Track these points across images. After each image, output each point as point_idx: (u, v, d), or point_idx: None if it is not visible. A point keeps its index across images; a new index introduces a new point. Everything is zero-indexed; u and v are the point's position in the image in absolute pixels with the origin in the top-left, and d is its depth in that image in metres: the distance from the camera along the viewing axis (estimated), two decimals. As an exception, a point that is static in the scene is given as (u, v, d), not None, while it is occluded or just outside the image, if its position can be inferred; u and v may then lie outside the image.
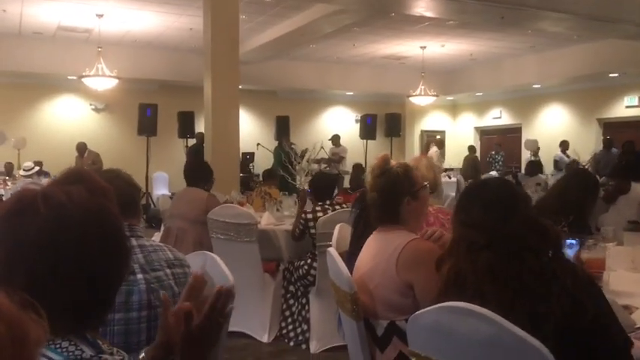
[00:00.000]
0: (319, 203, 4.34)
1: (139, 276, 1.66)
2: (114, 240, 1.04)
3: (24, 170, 9.91)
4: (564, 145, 12.41)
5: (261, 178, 6.93)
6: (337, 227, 3.13)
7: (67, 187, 1.02)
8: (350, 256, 2.71)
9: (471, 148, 14.38)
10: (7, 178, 9.66)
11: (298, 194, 4.99)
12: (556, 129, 13.80)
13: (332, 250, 2.39)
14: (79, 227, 0.99)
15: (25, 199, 1.00)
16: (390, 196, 2.26)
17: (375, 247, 2.26)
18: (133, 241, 1.74)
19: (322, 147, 9.04)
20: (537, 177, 9.77)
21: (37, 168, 10.00)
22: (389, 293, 2.13)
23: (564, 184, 3.50)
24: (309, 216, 4.22)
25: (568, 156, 12.03)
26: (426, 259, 2.09)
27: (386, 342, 2.14)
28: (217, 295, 1.33)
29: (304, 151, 6.84)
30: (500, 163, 13.79)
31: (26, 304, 0.64)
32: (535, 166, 10.18)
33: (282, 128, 12.93)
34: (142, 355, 1.38)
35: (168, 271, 1.73)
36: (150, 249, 1.76)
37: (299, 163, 6.01)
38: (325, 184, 4.60)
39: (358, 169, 8.70)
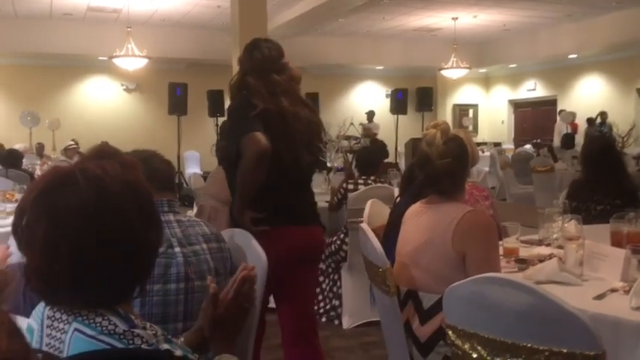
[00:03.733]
0: (362, 177, 4.32)
1: (177, 249, 1.71)
2: (149, 211, 1.05)
3: (64, 148, 10.06)
4: (603, 117, 12.02)
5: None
6: (369, 203, 3.10)
7: (100, 161, 1.02)
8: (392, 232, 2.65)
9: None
10: (42, 158, 9.85)
11: (342, 169, 4.93)
12: (593, 100, 13.42)
13: (364, 226, 2.35)
14: (118, 199, 0.99)
15: (63, 174, 1.00)
16: (461, 162, 2.19)
17: (428, 220, 2.17)
18: (171, 217, 1.80)
19: (352, 123, 8.96)
20: (573, 150, 9.56)
21: (74, 145, 10.14)
22: (443, 266, 2.08)
23: (595, 169, 3.37)
24: (350, 187, 4.21)
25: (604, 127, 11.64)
26: (482, 230, 2.06)
27: (431, 314, 2.10)
28: (242, 281, 1.34)
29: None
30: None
31: None
32: (571, 139, 9.97)
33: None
34: (182, 338, 1.40)
35: (204, 245, 1.77)
36: (187, 224, 1.81)
37: (329, 140, 5.97)
38: (372, 158, 4.55)
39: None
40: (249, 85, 2.39)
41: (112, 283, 0.99)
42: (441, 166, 2.14)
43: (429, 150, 2.17)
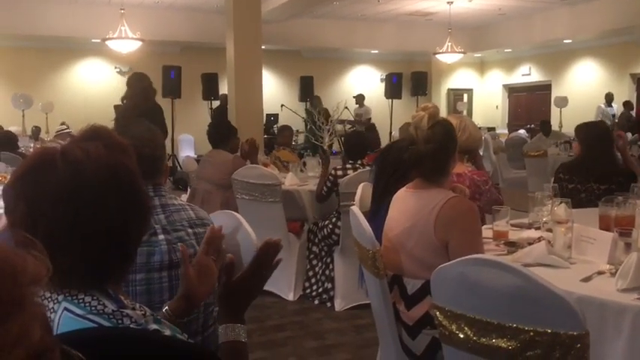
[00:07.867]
0: (350, 162, 4.32)
1: (161, 237, 1.66)
2: (131, 195, 1.04)
3: (56, 133, 10.02)
4: (609, 97, 12.05)
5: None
6: (360, 186, 3.12)
7: (84, 143, 1.02)
8: (374, 214, 2.69)
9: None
10: (37, 141, 9.80)
11: (321, 155, 4.95)
12: (587, 85, 13.43)
13: (355, 209, 2.37)
14: (96, 183, 0.99)
15: (44, 156, 1.00)
16: (445, 148, 2.17)
17: (412, 205, 2.19)
18: (156, 201, 1.74)
19: (346, 107, 8.94)
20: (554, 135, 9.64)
21: (67, 128, 10.08)
22: (426, 252, 2.10)
23: (595, 154, 3.39)
24: (340, 173, 4.19)
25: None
26: (464, 217, 2.07)
27: (415, 300, 2.12)
28: (265, 248, 1.34)
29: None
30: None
31: (26, 242, 0.62)
32: (549, 126, 10.07)
33: (307, 89, 12.82)
34: (165, 307, 1.41)
35: (190, 230, 1.73)
36: (172, 209, 1.76)
37: (322, 123, 5.96)
38: (358, 142, 4.53)
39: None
40: None
41: (91, 265, 0.98)
42: (425, 150, 2.15)
43: (415, 133, 2.17)
